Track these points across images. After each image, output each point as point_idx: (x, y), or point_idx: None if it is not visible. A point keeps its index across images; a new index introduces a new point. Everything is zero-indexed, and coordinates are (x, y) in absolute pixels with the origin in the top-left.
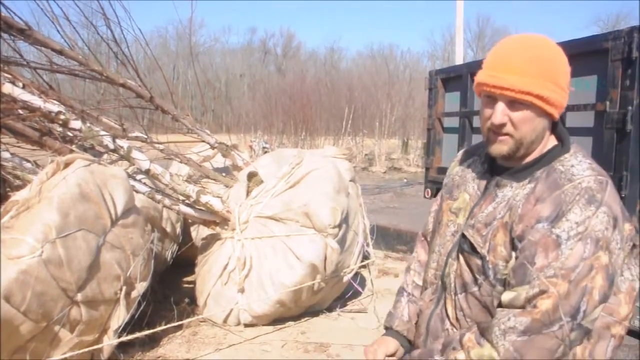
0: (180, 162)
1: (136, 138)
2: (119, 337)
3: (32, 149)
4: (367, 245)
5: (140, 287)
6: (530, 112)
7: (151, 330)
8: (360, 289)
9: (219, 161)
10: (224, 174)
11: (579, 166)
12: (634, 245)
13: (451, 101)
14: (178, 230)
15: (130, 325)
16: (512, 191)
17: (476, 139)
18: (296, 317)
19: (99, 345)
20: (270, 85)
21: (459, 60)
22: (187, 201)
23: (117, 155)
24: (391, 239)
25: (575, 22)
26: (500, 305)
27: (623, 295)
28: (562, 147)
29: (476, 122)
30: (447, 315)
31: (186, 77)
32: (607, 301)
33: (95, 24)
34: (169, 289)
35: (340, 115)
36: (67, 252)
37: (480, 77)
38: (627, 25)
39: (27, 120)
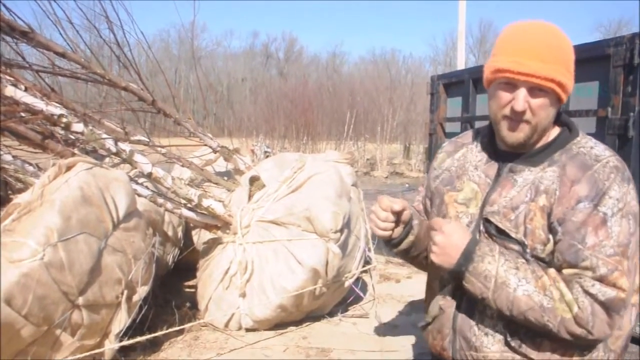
0: (182, 165)
1: (138, 141)
2: (120, 341)
3: (34, 151)
4: (369, 250)
5: (142, 291)
6: (548, 99)
7: (152, 335)
8: (361, 294)
9: (221, 165)
10: (225, 178)
11: (597, 147)
12: None
13: (453, 106)
14: (180, 234)
15: (132, 330)
16: (533, 175)
17: None
18: (298, 322)
19: (101, 350)
20: (272, 89)
21: (460, 65)
22: (189, 205)
23: (119, 158)
24: None
25: (577, 28)
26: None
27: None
28: (570, 132)
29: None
30: (476, 309)
31: (188, 81)
32: None
33: (98, 27)
34: (170, 293)
35: (342, 119)
36: (68, 256)
37: (501, 63)
38: (629, 31)
39: (30, 123)
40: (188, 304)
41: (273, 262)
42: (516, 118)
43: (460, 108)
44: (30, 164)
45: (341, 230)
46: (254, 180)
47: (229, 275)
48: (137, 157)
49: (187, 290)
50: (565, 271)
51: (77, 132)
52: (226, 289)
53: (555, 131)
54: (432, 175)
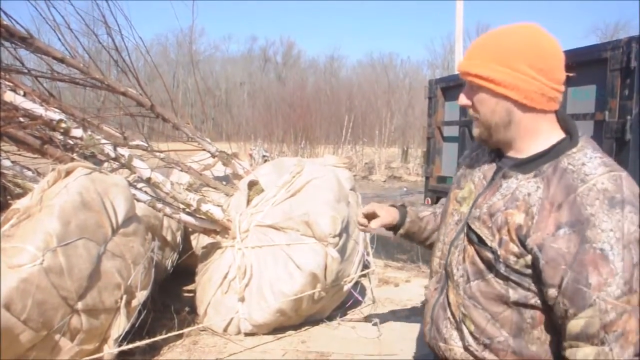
0: (181, 170)
1: (137, 146)
2: (120, 346)
3: (32, 157)
4: (368, 254)
5: (141, 295)
6: (483, 94)
7: (151, 339)
8: (360, 298)
9: (220, 170)
10: (224, 183)
11: (590, 164)
12: None
13: (451, 110)
14: (178, 238)
15: (131, 334)
16: (517, 183)
17: None
18: (296, 326)
19: (100, 355)
20: (270, 93)
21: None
22: (187, 210)
23: (117, 163)
24: (391, 248)
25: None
26: (563, 332)
27: None
28: (570, 140)
29: None
30: (449, 304)
31: (186, 85)
32: None
33: (96, 32)
34: (169, 298)
35: (340, 123)
36: (68, 261)
37: None
38: (626, 34)
39: (28, 129)
40: (187, 309)
41: (272, 266)
42: (470, 114)
43: (458, 112)
44: (29, 169)
45: (340, 235)
46: (252, 184)
47: (228, 279)
48: (136, 162)
49: (186, 294)
50: (572, 325)
51: (76, 138)
52: (225, 293)
53: (556, 137)
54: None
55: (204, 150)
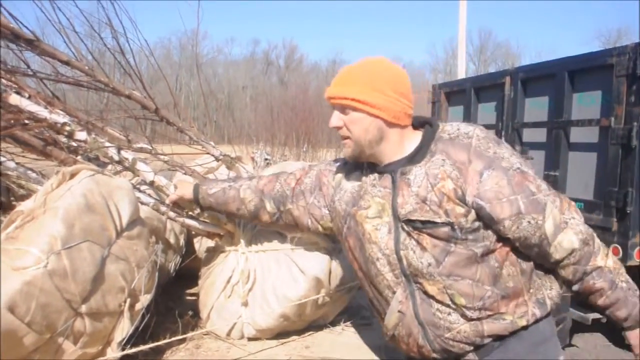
0: (185, 173)
1: (141, 149)
2: (123, 349)
3: (37, 158)
4: None
5: (145, 299)
6: (356, 114)
7: (155, 343)
8: (364, 303)
9: (223, 173)
10: None
11: (462, 127)
12: None
13: (454, 115)
14: (181, 241)
15: (134, 338)
16: (422, 169)
17: None
18: (300, 331)
19: (103, 358)
20: (273, 96)
21: (461, 73)
22: (191, 213)
23: (121, 166)
24: None
25: (577, 37)
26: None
27: None
28: (431, 126)
29: None
30: (431, 297)
31: (189, 88)
32: None
33: (100, 35)
34: (172, 301)
35: None
36: (72, 264)
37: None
38: (629, 40)
39: (33, 131)
40: (190, 312)
41: (275, 270)
42: (341, 135)
43: (462, 117)
44: (34, 171)
45: None
46: None
47: (231, 283)
48: (140, 165)
49: (189, 298)
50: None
51: (80, 140)
52: (228, 297)
53: (418, 134)
54: (331, 192)
55: (207, 153)
